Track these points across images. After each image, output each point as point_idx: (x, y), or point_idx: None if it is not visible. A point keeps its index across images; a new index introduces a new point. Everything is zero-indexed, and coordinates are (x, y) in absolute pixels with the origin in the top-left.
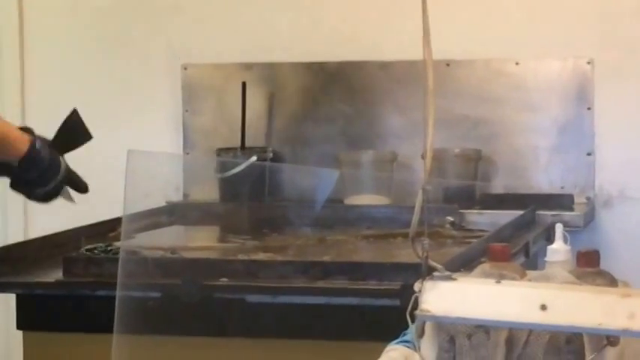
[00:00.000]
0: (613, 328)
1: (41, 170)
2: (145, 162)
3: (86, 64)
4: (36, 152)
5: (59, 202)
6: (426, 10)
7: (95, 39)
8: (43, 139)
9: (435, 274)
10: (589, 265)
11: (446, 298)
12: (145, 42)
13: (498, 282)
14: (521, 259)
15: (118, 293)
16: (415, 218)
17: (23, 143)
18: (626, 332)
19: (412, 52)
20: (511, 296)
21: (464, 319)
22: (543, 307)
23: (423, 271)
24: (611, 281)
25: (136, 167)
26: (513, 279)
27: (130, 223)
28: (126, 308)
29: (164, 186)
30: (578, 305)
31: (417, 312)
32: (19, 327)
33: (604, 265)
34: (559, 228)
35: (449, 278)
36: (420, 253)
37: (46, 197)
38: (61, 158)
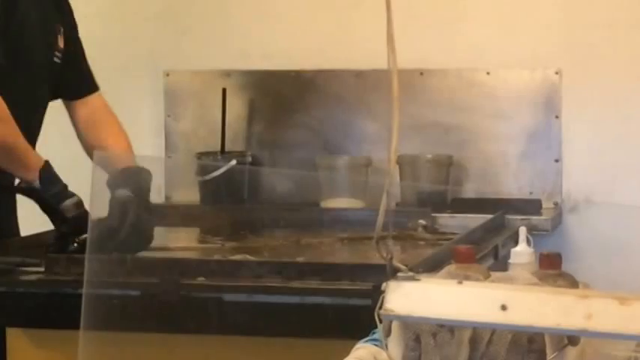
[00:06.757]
0: (570, 328)
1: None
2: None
3: None
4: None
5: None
6: (390, 20)
7: None
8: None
9: (399, 274)
10: (551, 268)
11: (409, 298)
12: (128, 49)
13: (460, 282)
14: (490, 261)
15: (85, 291)
16: (379, 221)
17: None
18: (583, 332)
19: (385, 61)
20: (472, 296)
21: (426, 318)
22: (504, 307)
23: (387, 272)
24: (572, 283)
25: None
26: (477, 280)
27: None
28: (103, 307)
29: None
30: (537, 306)
31: (381, 311)
32: (2, 323)
33: (570, 267)
34: (522, 231)
35: (412, 279)
36: (384, 255)
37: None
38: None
